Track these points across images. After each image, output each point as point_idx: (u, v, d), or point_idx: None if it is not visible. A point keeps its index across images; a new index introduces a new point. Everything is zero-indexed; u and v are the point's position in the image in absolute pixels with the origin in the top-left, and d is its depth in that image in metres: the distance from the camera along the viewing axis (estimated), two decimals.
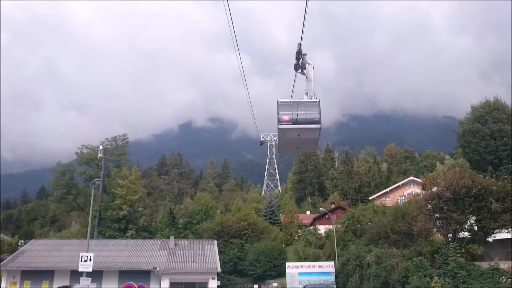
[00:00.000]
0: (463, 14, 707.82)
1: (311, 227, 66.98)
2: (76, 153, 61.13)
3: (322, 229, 63.43)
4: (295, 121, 19.27)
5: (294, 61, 20.55)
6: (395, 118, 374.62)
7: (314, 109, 19.58)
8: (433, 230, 33.75)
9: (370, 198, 76.87)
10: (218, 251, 44.91)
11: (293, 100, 20.05)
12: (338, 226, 53.94)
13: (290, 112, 19.40)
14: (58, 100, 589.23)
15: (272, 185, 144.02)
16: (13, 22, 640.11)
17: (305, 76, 20.70)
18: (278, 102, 19.70)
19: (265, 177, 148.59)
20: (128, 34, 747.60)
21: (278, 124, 19.11)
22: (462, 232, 32.13)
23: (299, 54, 20.11)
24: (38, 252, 43.04)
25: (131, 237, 52.26)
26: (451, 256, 28.37)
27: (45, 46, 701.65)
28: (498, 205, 29.93)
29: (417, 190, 51.42)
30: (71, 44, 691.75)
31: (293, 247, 60.39)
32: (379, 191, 79.37)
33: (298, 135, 19.73)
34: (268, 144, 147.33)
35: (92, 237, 44.08)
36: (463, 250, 29.93)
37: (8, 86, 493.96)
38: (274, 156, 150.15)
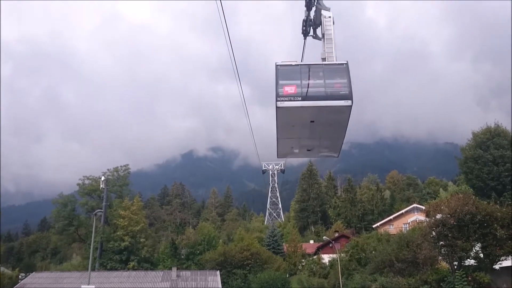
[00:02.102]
0: (459, 42, 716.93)
1: (315, 256, 66.20)
2: (78, 184, 61.02)
3: (326, 258, 62.68)
4: (306, 96, 13.02)
5: (303, 17, 15.27)
6: (396, 145, 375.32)
7: (339, 76, 13.34)
8: (438, 258, 33.36)
9: (373, 226, 76.21)
10: (221, 282, 44.31)
11: (302, 63, 14.02)
12: (342, 255, 53.33)
13: (298, 82, 13.20)
14: (60, 130, 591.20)
15: (274, 214, 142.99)
16: (16, 54, 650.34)
17: (321, 35, 14.76)
18: (277, 65, 13.69)
19: (268, 206, 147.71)
20: (129, 65, 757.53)
21: (276, 101, 13.06)
22: (468, 259, 31.73)
23: (311, 2, 14.63)
24: (38, 285, 42.47)
25: (133, 268, 51.61)
26: (457, 285, 27.95)
27: (47, 77, 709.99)
28: (503, 232, 29.65)
29: (421, 217, 51.09)
30: (73, 74, 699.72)
31: (297, 277, 59.52)
32: (383, 219, 78.76)
33: (312, 121, 13.62)
34: (270, 172, 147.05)
35: (93, 269, 43.62)
36: (469, 278, 29.47)
37: (10, 117, 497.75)
38: (276, 184, 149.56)
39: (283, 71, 13.39)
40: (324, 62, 13.80)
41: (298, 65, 13.62)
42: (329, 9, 14.46)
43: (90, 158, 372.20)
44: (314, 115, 13.21)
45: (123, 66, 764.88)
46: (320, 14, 14.65)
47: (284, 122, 13.62)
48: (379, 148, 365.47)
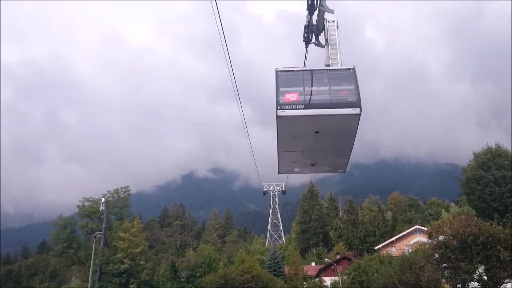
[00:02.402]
0: (458, 62, 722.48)
1: (317, 279, 65.51)
2: (78, 206, 60.72)
3: (328, 280, 62.02)
4: (310, 104, 12.02)
5: (304, 22, 14.24)
6: (397, 166, 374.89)
7: (346, 83, 12.35)
8: (441, 280, 32.92)
9: (375, 247, 75.58)
10: None
11: (304, 69, 13.04)
12: (344, 277, 52.78)
13: (301, 89, 12.21)
14: (60, 152, 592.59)
15: (275, 236, 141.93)
16: (18, 78, 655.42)
17: (325, 40, 13.57)
18: (277, 71, 12.64)
19: (269, 227, 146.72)
20: (130, 86, 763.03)
21: (276, 110, 12.02)
22: (472, 282, 31.31)
23: (313, 5, 13.37)
24: None
25: None
26: None
27: (47, 100, 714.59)
28: (507, 254, 29.33)
29: (423, 239, 50.68)
30: (73, 97, 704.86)
31: None
32: (385, 240, 78.15)
33: (317, 132, 12.55)
34: (271, 194, 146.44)
35: None
36: None
37: (11, 140, 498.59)
38: (277, 206, 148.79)
39: (283, 78, 12.41)
40: (328, 68, 12.81)
41: (300, 70, 12.70)
42: (333, 11, 13.44)
43: (90, 179, 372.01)
44: (319, 125, 12.19)
45: (124, 87, 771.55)
46: (323, 19, 13.72)
47: (286, 133, 12.54)
48: (380, 169, 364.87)
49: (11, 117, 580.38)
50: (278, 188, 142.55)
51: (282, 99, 12.13)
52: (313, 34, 14.40)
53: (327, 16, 13.77)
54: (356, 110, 11.77)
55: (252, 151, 21.81)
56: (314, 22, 14.02)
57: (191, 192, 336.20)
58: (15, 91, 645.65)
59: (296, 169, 16.38)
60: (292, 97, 12.04)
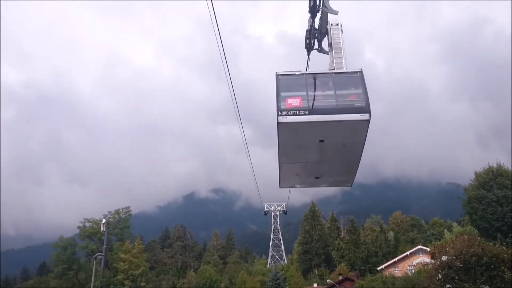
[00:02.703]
0: (457, 82, 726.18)
1: None
2: (79, 227, 60.52)
3: None
4: (313, 109, 11.32)
5: (306, 26, 13.36)
6: (399, 185, 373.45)
7: (353, 86, 11.73)
8: None
9: (378, 268, 74.90)
10: None
11: (307, 72, 12.37)
12: None
13: (303, 93, 11.54)
14: (61, 173, 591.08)
15: (277, 256, 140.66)
16: (19, 98, 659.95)
17: (328, 45, 12.93)
18: (277, 75, 12.00)
19: (270, 248, 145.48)
20: (131, 107, 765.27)
21: (277, 116, 11.35)
22: None
23: (316, 6, 12.55)
24: None
25: None
26: None
27: (49, 120, 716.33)
28: (511, 274, 29.10)
29: (426, 259, 50.34)
30: (74, 118, 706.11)
31: None
32: (387, 261, 77.47)
33: (321, 140, 11.83)
34: (273, 214, 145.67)
35: None
36: None
37: (11, 161, 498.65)
38: (278, 226, 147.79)
39: (285, 82, 11.69)
40: (334, 71, 12.01)
41: (302, 74, 11.96)
42: (337, 12, 12.62)
43: (91, 200, 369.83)
44: (324, 133, 11.33)
45: (125, 108, 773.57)
46: (327, 22, 12.99)
47: (288, 141, 11.79)
48: (382, 189, 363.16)
49: (11, 138, 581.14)
50: (279, 208, 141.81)
51: (283, 105, 11.36)
52: (316, 40, 13.66)
53: (330, 18, 13.12)
54: (365, 116, 11.08)
55: (253, 171, 21.57)
56: (316, 26, 13.17)
57: (192, 213, 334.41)
58: (16, 112, 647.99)
59: (298, 183, 15.54)
60: (294, 102, 11.27)
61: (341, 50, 12.40)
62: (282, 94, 11.51)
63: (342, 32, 12.72)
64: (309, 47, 13.69)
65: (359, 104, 11.34)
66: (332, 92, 11.44)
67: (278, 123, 11.24)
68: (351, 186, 15.92)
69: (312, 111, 11.27)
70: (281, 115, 11.24)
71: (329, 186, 18.00)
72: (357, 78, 11.69)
